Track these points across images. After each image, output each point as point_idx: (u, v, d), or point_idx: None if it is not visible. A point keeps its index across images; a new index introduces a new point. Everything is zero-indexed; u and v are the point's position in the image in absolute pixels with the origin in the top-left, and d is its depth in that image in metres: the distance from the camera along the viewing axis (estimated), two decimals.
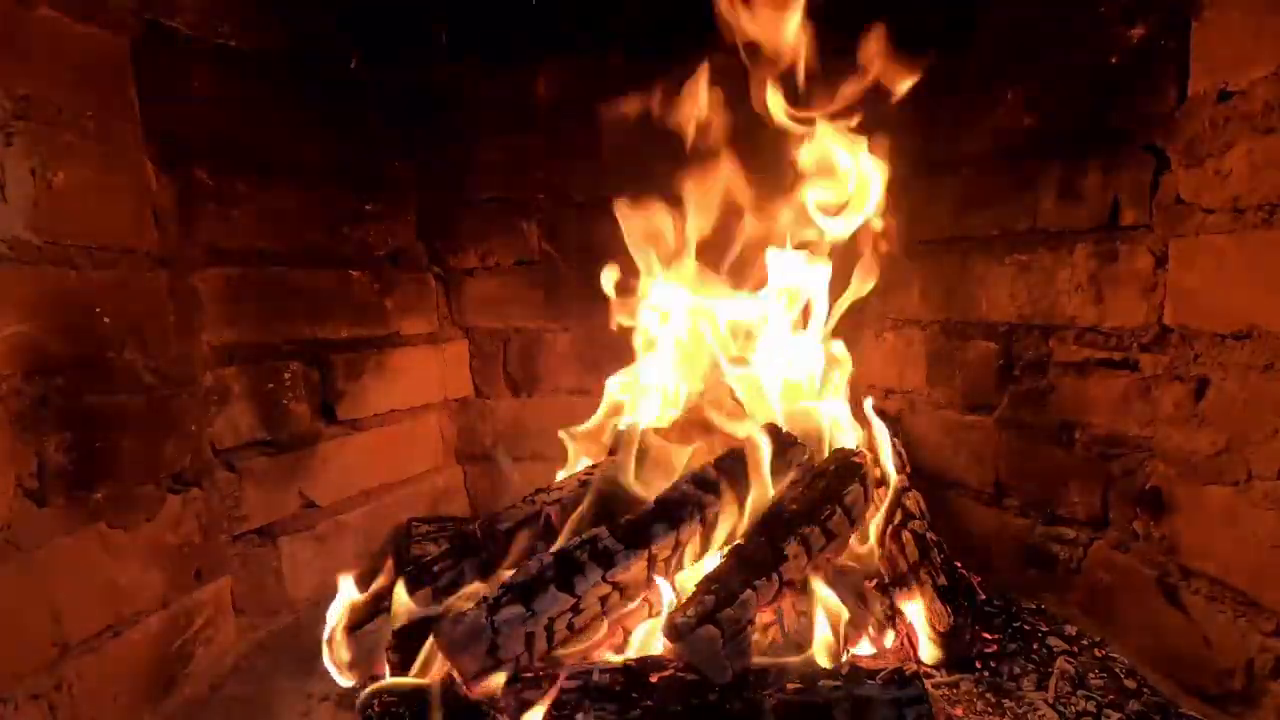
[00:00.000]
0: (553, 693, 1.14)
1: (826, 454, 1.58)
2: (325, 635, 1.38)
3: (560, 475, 1.73)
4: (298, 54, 1.71)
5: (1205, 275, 1.26)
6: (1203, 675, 1.26)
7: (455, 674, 1.19)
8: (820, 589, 1.35)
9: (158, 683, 1.33)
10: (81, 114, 1.22)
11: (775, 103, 1.71)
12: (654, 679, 1.16)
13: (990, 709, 1.26)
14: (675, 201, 1.83)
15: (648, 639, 1.34)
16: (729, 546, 1.37)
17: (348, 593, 1.43)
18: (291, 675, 1.44)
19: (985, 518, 1.79)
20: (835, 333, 1.81)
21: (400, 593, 1.36)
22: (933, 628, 1.38)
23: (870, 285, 1.77)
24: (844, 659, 1.31)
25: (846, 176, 1.73)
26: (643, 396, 1.83)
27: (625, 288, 1.91)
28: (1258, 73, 1.14)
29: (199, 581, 1.44)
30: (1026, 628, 1.49)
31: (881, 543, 1.52)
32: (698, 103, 1.79)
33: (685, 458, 1.59)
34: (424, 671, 1.25)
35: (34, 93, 1.14)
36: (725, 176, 1.81)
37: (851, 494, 1.41)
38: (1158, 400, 1.36)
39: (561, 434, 1.79)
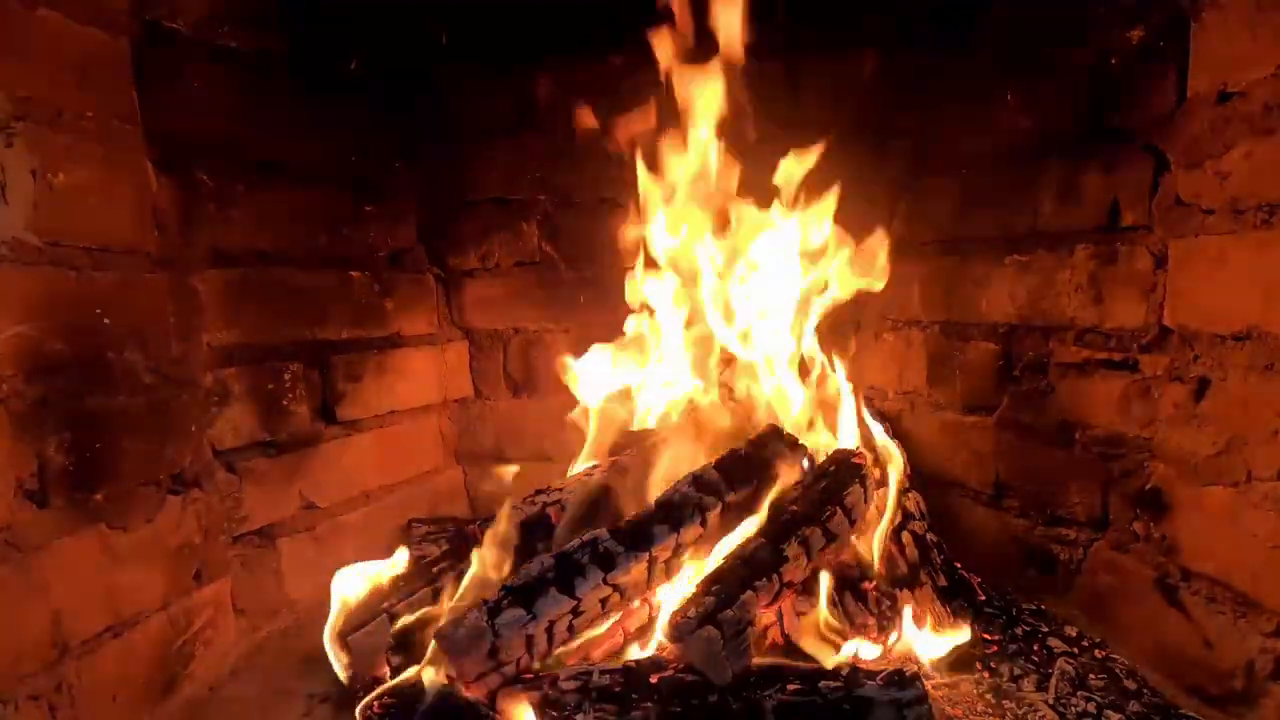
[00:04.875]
0: (553, 693, 1.14)
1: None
2: (326, 635, 1.38)
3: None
4: (298, 54, 1.71)
5: (1205, 276, 1.26)
6: (1203, 676, 1.26)
7: (456, 676, 1.19)
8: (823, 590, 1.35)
9: (158, 683, 1.33)
10: (82, 115, 1.22)
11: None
12: (654, 680, 1.16)
13: (990, 710, 1.26)
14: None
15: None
16: (729, 547, 1.37)
17: (346, 589, 1.43)
18: (291, 675, 1.44)
19: (985, 518, 1.79)
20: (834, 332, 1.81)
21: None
22: (932, 628, 1.38)
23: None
24: (844, 660, 1.31)
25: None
26: (646, 398, 1.83)
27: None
28: (1257, 74, 1.14)
29: (199, 582, 1.44)
30: (1027, 629, 1.49)
31: (881, 543, 1.52)
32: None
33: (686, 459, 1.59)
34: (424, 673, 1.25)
35: (34, 93, 1.14)
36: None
37: (851, 495, 1.41)
38: (1158, 401, 1.36)
39: None
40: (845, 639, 1.35)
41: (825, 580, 1.38)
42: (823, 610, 1.36)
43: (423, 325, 2.14)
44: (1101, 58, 1.45)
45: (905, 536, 1.50)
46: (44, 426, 1.14)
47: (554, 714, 1.12)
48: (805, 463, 1.52)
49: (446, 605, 1.37)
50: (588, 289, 2.17)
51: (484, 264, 2.21)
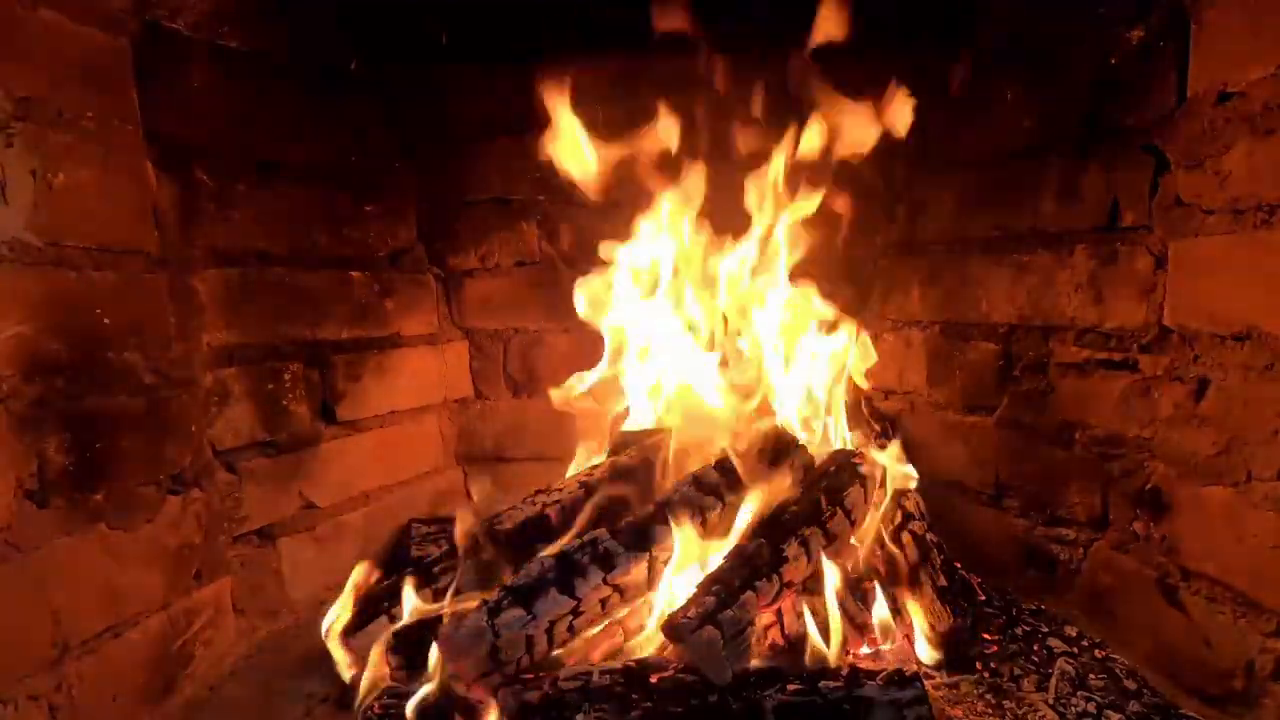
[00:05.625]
0: (553, 694, 1.14)
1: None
2: (324, 634, 1.38)
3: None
4: (298, 55, 1.71)
5: (1205, 276, 1.26)
6: (1203, 676, 1.26)
7: (456, 676, 1.19)
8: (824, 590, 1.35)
9: (157, 684, 1.33)
10: (82, 115, 1.22)
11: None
12: (654, 680, 1.16)
13: (990, 710, 1.26)
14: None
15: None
16: (729, 548, 1.37)
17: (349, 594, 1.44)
18: (291, 676, 1.44)
19: (985, 518, 1.79)
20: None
21: (408, 591, 1.36)
22: (932, 629, 1.38)
23: None
24: (844, 660, 1.30)
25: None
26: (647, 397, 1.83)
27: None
28: (1257, 74, 1.14)
29: (199, 582, 1.44)
30: (1027, 629, 1.49)
31: (881, 544, 1.52)
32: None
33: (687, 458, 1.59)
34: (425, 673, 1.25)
35: (34, 94, 1.14)
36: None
37: (851, 495, 1.41)
38: (1157, 401, 1.36)
39: None
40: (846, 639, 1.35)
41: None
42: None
43: (423, 325, 2.14)
44: (1102, 57, 1.45)
45: (905, 537, 1.50)
46: (44, 426, 1.14)
47: (554, 714, 1.12)
48: (805, 462, 1.52)
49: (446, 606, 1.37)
50: None
51: (484, 264, 2.21)
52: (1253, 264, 1.16)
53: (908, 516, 1.55)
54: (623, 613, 1.32)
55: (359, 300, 1.91)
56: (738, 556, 1.31)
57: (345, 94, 1.87)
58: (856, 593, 1.43)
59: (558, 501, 1.50)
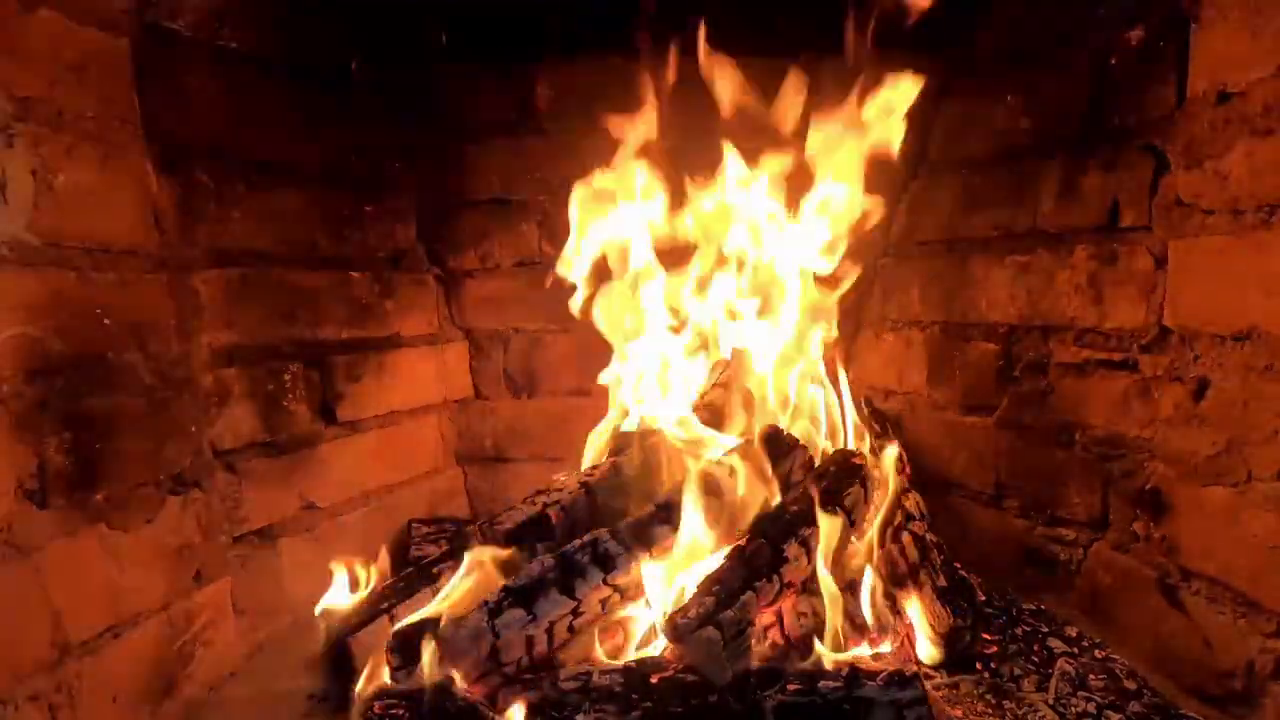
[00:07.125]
0: (553, 694, 1.14)
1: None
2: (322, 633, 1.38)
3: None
4: (298, 55, 1.71)
5: (1205, 276, 1.26)
6: (1203, 676, 1.26)
7: (456, 676, 1.19)
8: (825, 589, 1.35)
9: (158, 684, 1.33)
10: (82, 115, 1.22)
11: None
12: (654, 680, 1.16)
13: (990, 710, 1.26)
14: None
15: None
16: (729, 548, 1.37)
17: (341, 592, 1.43)
18: (291, 676, 1.44)
19: (985, 519, 1.79)
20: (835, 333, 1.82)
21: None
22: (932, 629, 1.38)
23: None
24: (844, 660, 1.30)
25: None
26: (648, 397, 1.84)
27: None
28: (1256, 74, 1.14)
29: (199, 583, 1.44)
30: (1027, 629, 1.49)
31: (881, 544, 1.52)
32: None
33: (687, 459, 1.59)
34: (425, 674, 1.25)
35: (34, 94, 1.14)
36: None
37: (851, 495, 1.41)
38: (1157, 401, 1.36)
39: None
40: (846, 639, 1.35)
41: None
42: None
43: (423, 326, 2.13)
44: (1101, 58, 1.45)
45: (905, 537, 1.50)
46: (44, 427, 1.14)
47: (554, 714, 1.12)
48: (805, 462, 1.52)
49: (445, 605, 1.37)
50: None
51: (484, 264, 2.21)
52: (1253, 264, 1.16)
53: (908, 517, 1.55)
54: (623, 613, 1.32)
55: (359, 300, 1.91)
56: (738, 557, 1.31)
57: (345, 94, 1.87)
58: (856, 593, 1.43)
59: (558, 502, 1.50)
